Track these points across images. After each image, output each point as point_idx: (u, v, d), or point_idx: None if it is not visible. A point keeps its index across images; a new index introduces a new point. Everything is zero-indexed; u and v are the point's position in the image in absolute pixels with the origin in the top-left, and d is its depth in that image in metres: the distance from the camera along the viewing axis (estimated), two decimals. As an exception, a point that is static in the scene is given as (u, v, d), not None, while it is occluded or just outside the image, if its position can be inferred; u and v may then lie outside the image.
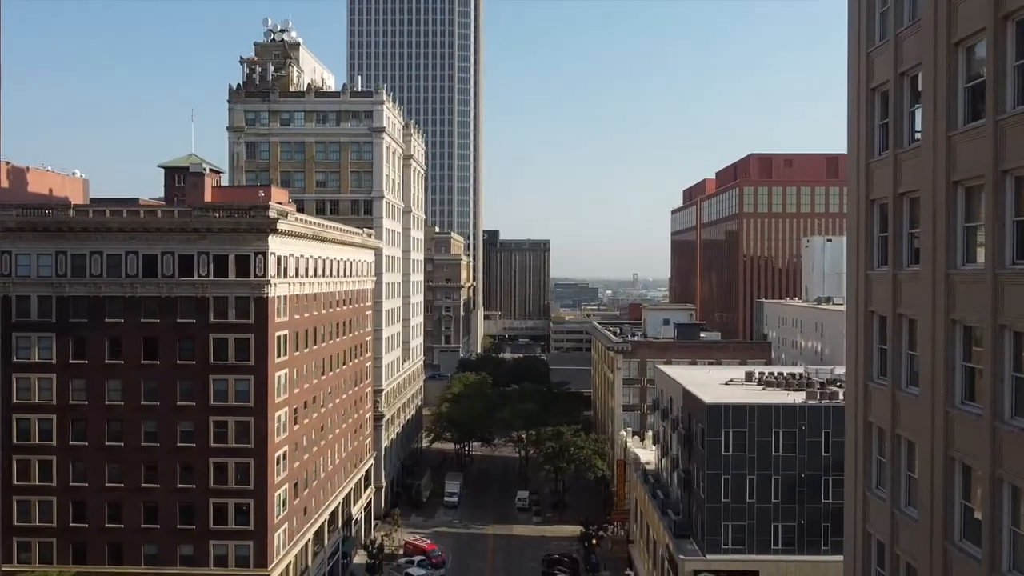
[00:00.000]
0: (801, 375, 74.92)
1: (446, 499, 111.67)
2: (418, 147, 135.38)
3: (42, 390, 61.52)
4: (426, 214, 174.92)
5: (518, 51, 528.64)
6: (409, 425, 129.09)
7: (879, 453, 27.56)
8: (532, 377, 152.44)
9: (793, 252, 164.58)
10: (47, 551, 61.30)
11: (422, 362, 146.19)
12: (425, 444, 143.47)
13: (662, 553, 68.06)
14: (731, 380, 74.10)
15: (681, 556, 60.93)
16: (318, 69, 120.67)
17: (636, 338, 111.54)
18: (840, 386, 65.32)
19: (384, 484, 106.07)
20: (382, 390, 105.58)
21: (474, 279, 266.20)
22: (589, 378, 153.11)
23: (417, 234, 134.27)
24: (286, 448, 64.83)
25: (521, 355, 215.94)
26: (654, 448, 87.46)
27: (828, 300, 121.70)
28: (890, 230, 26.49)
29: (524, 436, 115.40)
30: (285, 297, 64.32)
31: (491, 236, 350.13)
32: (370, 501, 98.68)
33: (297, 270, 67.45)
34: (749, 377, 74.76)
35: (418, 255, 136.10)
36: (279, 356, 63.06)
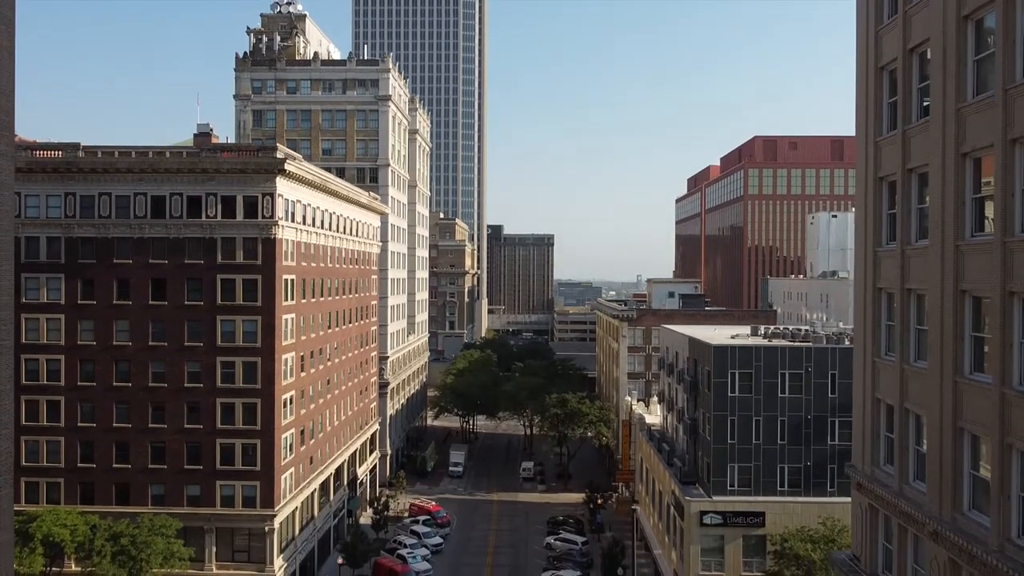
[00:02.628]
0: (807, 330, 74.85)
1: (451, 469, 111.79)
2: (423, 123, 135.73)
3: (50, 331, 61.78)
4: (430, 199, 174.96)
5: (522, 47, 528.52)
6: (414, 399, 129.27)
7: (888, 319, 27.65)
8: (537, 357, 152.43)
9: (798, 234, 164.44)
10: (54, 491, 61.49)
11: (427, 338, 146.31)
12: (430, 421, 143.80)
13: (668, 501, 68.03)
14: (736, 335, 74.07)
15: (687, 498, 60.90)
16: (324, 42, 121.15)
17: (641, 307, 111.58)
18: (846, 337, 65.26)
19: (389, 452, 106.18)
20: (387, 357, 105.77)
21: (478, 268, 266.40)
22: (593, 362, 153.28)
23: (422, 210, 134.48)
24: (293, 393, 64.98)
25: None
26: (659, 412, 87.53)
27: (833, 275, 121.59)
28: (899, 93, 26.61)
29: (529, 408, 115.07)
30: (293, 242, 64.54)
31: (495, 230, 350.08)
32: (375, 466, 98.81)
33: (304, 218, 67.68)
34: (755, 331, 74.70)
35: (423, 230, 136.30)
36: (286, 300, 63.24)
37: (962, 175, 22.55)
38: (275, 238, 60.89)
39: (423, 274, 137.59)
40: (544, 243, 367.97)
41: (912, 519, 24.86)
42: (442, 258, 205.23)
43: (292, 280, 64.51)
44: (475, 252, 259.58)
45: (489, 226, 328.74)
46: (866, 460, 28.74)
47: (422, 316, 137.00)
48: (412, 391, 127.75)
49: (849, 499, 31.95)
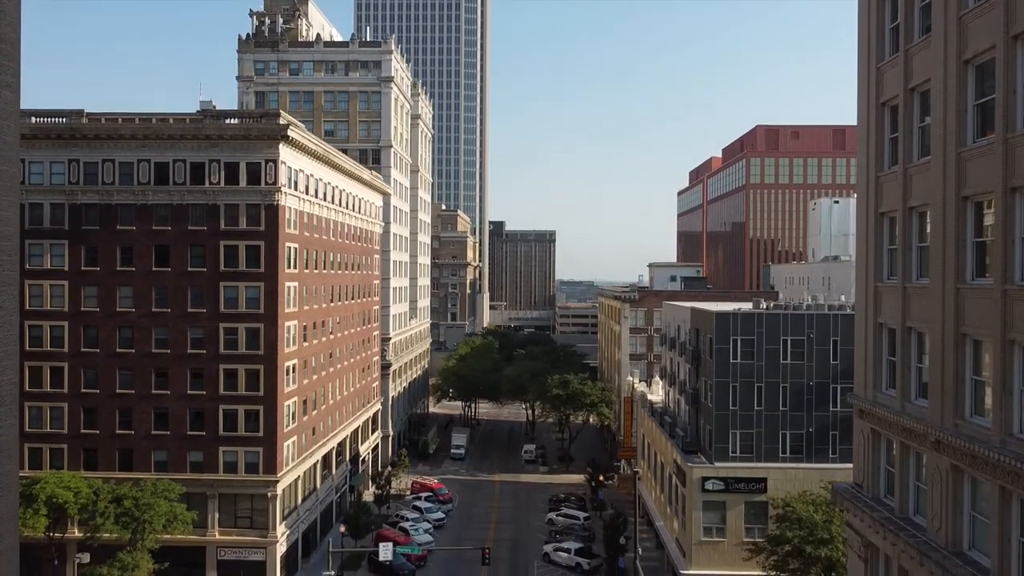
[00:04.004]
0: (808, 305, 74.84)
1: (453, 451, 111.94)
2: (426, 109, 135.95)
3: (54, 297, 61.94)
4: (432, 192, 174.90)
5: (523, 45, 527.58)
6: (415, 385, 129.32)
7: (890, 242, 27.76)
8: (538, 346, 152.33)
9: (799, 224, 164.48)
10: (57, 457, 61.59)
11: (429, 324, 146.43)
12: (432, 409, 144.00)
13: (670, 471, 68.04)
14: (739, 309, 74.08)
15: (689, 464, 60.94)
16: (326, 27, 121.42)
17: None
18: (848, 307, 65.29)
19: (391, 434, 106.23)
20: (389, 339, 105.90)
21: (479, 261, 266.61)
22: (594, 353, 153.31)
23: (424, 195, 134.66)
24: (295, 361, 65.11)
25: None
26: (661, 391, 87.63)
27: (835, 260, 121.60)
28: (901, 15, 26.74)
29: (531, 392, 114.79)
30: (295, 211, 64.69)
31: (497, 227, 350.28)
32: (377, 445, 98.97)
33: (307, 188, 67.84)
34: (756, 305, 74.65)
35: (425, 216, 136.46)
36: (289, 268, 63.38)
37: (964, 84, 22.66)
38: (278, 204, 61.04)
39: (425, 260, 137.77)
40: (546, 239, 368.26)
41: (914, 434, 24.95)
42: (444, 249, 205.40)
43: (295, 249, 64.67)
44: (477, 245, 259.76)
45: (491, 222, 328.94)
46: (868, 386, 28.83)
47: (424, 302, 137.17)
48: (414, 376, 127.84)
49: (851, 465, 31.80)
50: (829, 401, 60.67)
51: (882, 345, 28.04)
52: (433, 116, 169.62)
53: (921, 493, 25.50)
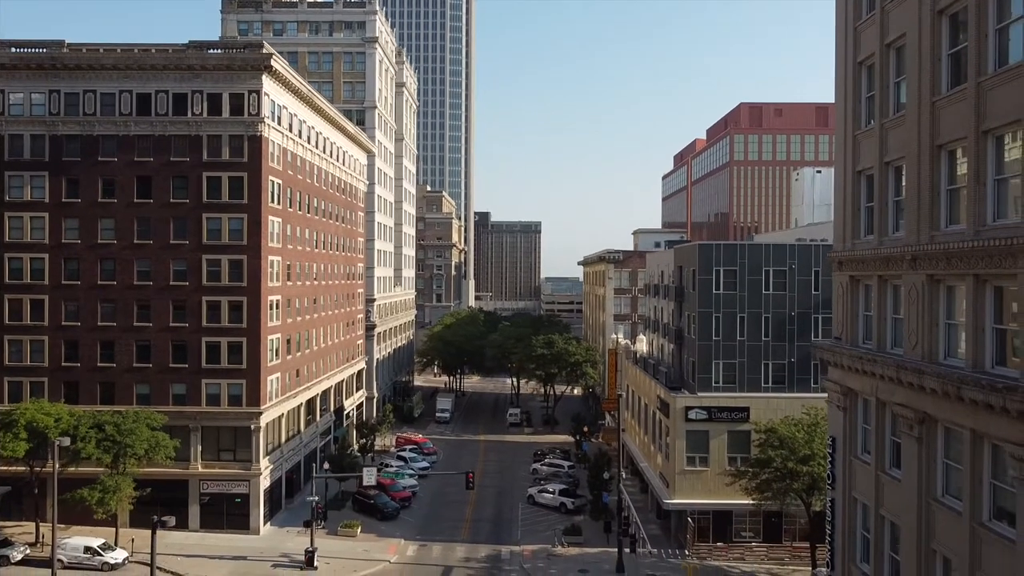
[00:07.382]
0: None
1: (438, 415, 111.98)
2: (410, 78, 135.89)
3: (34, 229, 61.36)
4: (418, 169, 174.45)
5: (511, 39, 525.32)
6: (400, 353, 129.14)
7: (868, 89, 28.09)
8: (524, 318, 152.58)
9: (783, 201, 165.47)
10: (38, 390, 60.91)
11: (414, 295, 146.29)
12: (416, 381, 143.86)
13: (653, 409, 68.33)
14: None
15: (673, 395, 61.24)
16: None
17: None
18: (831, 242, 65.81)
19: (376, 395, 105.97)
20: (374, 300, 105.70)
21: (464, 245, 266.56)
22: (579, 332, 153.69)
23: (409, 165, 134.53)
24: (279, 297, 64.88)
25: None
26: (644, 346, 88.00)
27: (818, 226, 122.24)
28: None
29: (517, 355, 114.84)
30: (279, 146, 64.48)
31: (482, 217, 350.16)
32: (361, 404, 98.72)
33: (291, 127, 67.66)
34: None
35: (410, 186, 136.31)
36: (272, 202, 63.18)
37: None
38: (261, 136, 60.83)
39: (410, 230, 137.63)
40: (531, 230, 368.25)
41: (890, 261, 25.25)
42: (429, 231, 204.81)
43: (278, 184, 64.46)
44: (462, 230, 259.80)
45: (476, 213, 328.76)
46: (847, 238, 29.16)
47: (408, 272, 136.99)
48: (399, 344, 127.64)
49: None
50: (811, 331, 61.07)
51: (860, 193, 28.37)
52: (418, 90, 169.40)
53: (897, 326, 25.80)
